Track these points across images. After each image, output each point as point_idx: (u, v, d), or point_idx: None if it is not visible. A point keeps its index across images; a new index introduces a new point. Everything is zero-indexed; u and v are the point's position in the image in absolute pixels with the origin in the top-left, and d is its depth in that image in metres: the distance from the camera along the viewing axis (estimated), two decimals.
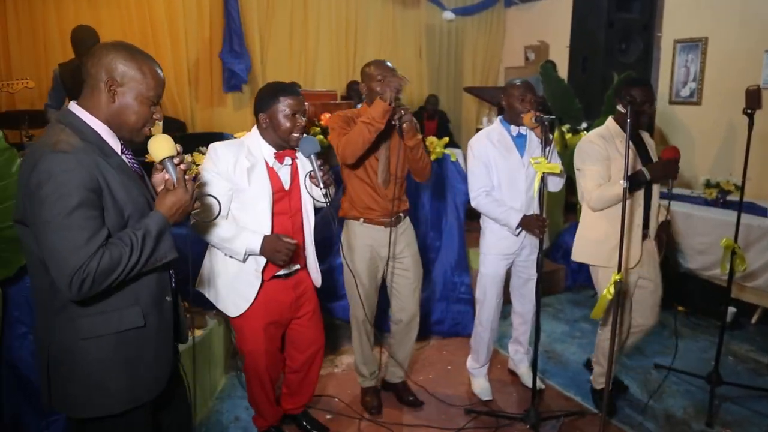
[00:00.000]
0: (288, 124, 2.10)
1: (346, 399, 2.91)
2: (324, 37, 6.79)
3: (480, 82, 7.88)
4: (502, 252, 2.81)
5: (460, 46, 7.85)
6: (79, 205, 1.32)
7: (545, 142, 2.52)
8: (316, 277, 2.40)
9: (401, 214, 2.66)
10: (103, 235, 1.36)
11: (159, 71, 1.51)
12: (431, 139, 3.82)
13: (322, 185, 2.09)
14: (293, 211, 2.25)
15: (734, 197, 4.06)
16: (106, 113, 1.46)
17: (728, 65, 5.20)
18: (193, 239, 1.89)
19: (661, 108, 5.71)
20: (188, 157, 3.00)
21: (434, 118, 6.71)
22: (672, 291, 3.18)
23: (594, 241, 2.66)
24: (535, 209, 2.68)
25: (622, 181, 2.16)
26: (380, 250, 2.61)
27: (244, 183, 2.11)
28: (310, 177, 2.14)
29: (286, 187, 2.22)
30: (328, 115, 3.66)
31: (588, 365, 3.23)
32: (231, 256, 2.15)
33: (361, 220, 2.59)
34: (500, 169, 2.72)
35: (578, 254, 2.76)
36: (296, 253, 2.19)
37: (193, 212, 1.57)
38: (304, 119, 2.14)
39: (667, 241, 2.83)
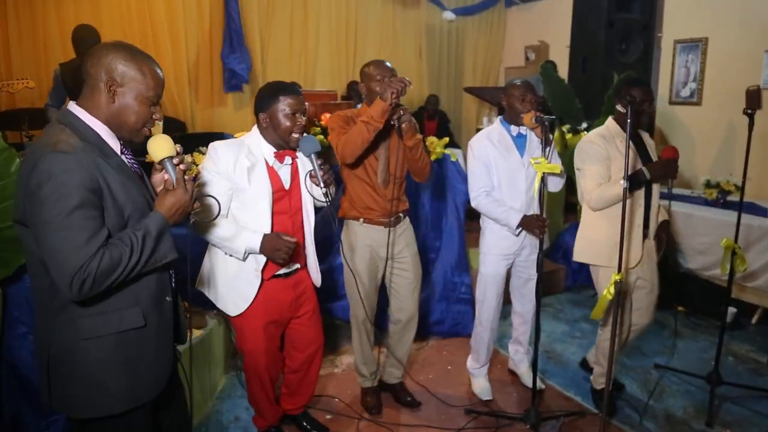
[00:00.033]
0: (288, 124, 2.10)
1: (346, 399, 2.91)
2: (324, 37, 6.79)
3: (480, 82, 7.89)
4: (502, 252, 2.81)
5: (460, 46, 7.85)
6: (79, 205, 1.32)
7: (545, 142, 2.52)
8: (316, 276, 2.40)
9: (401, 214, 2.66)
10: (103, 236, 1.36)
11: (159, 71, 1.51)
12: (431, 139, 3.82)
13: (322, 184, 2.09)
14: (293, 211, 2.25)
15: (734, 197, 4.07)
16: (105, 113, 1.46)
17: (728, 65, 5.20)
18: (193, 239, 1.89)
19: (662, 108, 5.71)
20: (188, 157, 3.00)
21: (434, 118, 6.71)
22: (672, 291, 3.18)
23: (595, 241, 2.66)
24: (535, 209, 2.68)
25: (622, 181, 2.16)
26: (380, 250, 2.61)
27: (244, 182, 2.11)
28: (311, 176, 2.15)
29: (287, 186, 2.22)
30: (328, 115, 3.66)
31: (583, 364, 3.24)
32: (231, 255, 2.15)
33: (361, 220, 2.59)
34: (500, 169, 2.72)
35: (579, 254, 2.76)
36: (296, 253, 2.19)
37: (192, 212, 1.57)
38: (304, 119, 2.15)
39: (667, 241, 2.84)
